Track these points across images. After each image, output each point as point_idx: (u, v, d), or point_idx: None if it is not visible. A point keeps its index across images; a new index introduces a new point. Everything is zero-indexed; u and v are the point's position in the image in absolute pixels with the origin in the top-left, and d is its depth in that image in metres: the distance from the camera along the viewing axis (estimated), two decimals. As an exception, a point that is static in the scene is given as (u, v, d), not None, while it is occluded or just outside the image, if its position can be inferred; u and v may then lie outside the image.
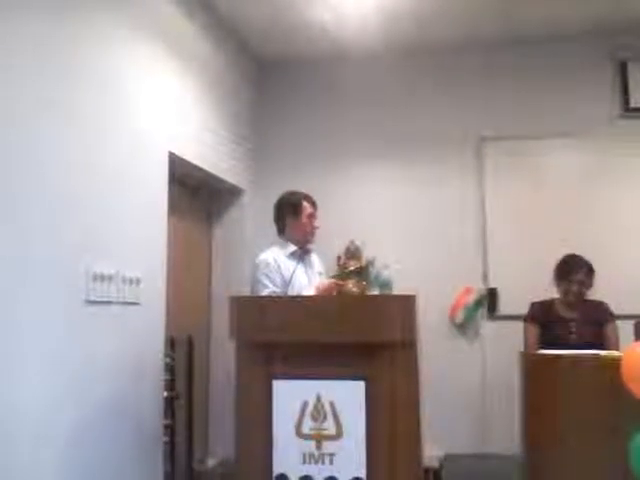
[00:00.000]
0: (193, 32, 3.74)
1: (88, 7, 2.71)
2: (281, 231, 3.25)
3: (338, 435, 2.27)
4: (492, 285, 4.30)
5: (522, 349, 3.43)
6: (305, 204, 3.19)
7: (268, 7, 3.94)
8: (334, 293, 2.78)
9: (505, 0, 3.89)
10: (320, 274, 3.24)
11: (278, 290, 2.98)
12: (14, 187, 2.23)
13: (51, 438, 2.35)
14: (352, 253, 2.83)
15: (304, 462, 2.28)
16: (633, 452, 2.27)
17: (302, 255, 3.17)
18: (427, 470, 3.75)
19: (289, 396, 2.31)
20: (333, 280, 2.88)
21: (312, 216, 3.20)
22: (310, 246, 3.28)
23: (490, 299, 4.29)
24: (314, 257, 3.32)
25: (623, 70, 4.30)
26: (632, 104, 4.26)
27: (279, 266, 3.05)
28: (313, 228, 3.20)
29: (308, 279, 3.14)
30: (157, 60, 3.30)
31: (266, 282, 3.01)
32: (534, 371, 3.04)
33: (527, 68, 4.44)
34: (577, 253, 3.48)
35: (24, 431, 2.21)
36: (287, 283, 2.95)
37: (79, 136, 2.60)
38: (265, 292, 2.98)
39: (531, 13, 4.04)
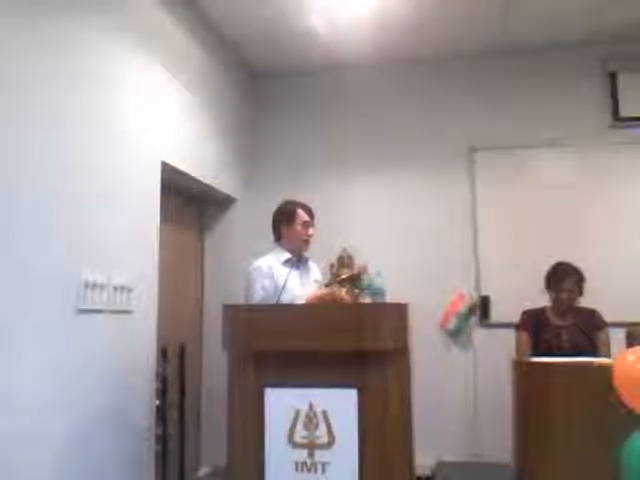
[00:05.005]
0: (188, 42, 3.76)
1: (87, 13, 2.73)
2: (277, 239, 3.26)
3: (330, 444, 2.27)
4: (484, 293, 4.31)
5: (514, 357, 3.44)
6: (300, 212, 3.19)
7: (262, 17, 3.95)
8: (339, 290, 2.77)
9: (497, 10, 3.92)
10: (316, 282, 3.23)
11: (268, 296, 2.97)
12: (8, 194, 2.22)
13: (44, 445, 2.33)
14: (345, 261, 2.83)
15: (297, 471, 2.28)
16: (624, 457, 2.28)
17: (297, 262, 3.17)
18: (419, 478, 3.75)
19: (281, 405, 2.30)
20: (323, 291, 2.88)
21: (307, 224, 3.20)
22: (306, 254, 3.28)
23: (482, 307, 4.30)
24: (311, 264, 3.31)
25: (613, 80, 4.34)
26: (622, 113, 4.30)
27: (272, 273, 3.05)
28: (307, 236, 3.20)
29: (303, 286, 3.14)
30: (151, 69, 3.31)
31: (258, 288, 3.01)
32: (526, 378, 3.05)
33: (518, 78, 4.48)
34: (568, 261, 3.49)
35: (20, 436, 2.20)
36: (280, 290, 2.94)
37: (73, 143, 2.59)
38: (257, 298, 2.98)
39: (523, 24, 4.09)
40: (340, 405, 2.27)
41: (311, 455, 2.27)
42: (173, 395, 3.59)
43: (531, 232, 4.25)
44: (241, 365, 2.37)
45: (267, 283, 3.01)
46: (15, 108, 2.28)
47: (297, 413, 2.30)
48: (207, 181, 3.96)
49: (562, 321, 3.47)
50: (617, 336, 3.41)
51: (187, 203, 4.23)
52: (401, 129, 4.62)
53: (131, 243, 3.01)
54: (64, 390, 2.46)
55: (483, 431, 4.07)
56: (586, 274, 3.46)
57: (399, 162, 4.60)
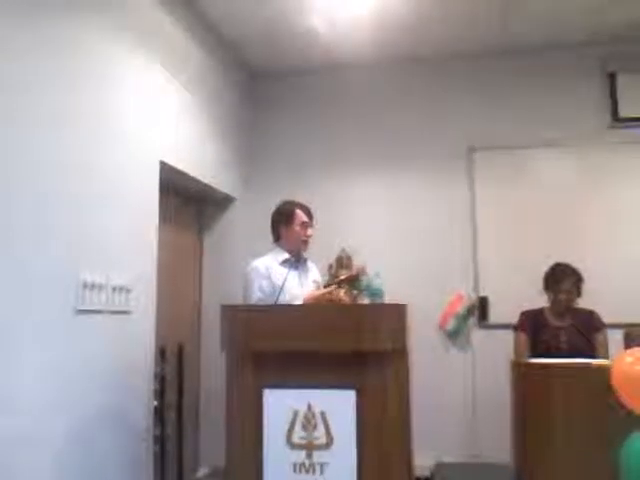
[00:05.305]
0: (187, 42, 3.76)
1: (87, 13, 2.73)
2: (276, 239, 3.26)
3: (329, 444, 2.27)
4: (483, 294, 4.31)
5: (512, 358, 3.44)
6: (298, 212, 3.19)
7: (262, 17, 3.95)
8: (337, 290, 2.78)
9: (497, 10, 3.92)
10: (315, 282, 3.24)
11: (265, 297, 2.98)
12: (8, 194, 2.22)
13: (44, 445, 2.33)
14: (343, 261, 2.83)
15: (295, 472, 2.27)
16: (623, 457, 2.28)
17: (295, 263, 3.17)
18: (418, 479, 3.74)
19: (280, 405, 2.30)
20: (323, 291, 2.88)
21: (306, 225, 3.20)
22: (305, 254, 3.28)
23: (481, 308, 4.30)
24: (310, 265, 3.32)
25: (612, 80, 4.34)
26: (621, 114, 4.30)
27: (270, 273, 3.05)
28: (306, 236, 3.20)
29: (302, 287, 3.14)
30: (151, 69, 3.30)
31: (255, 289, 3.02)
32: (525, 379, 3.05)
33: (518, 78, 4.48)
34: (566, 262, 3.49)
35: (19, 436, 2.20)
36: (278, 290, 2.94)
37: (73, 143, 2.59)
38: (254, 299, 2.98)
39: (523, 24, 4.09)
40: (339, 406, 2.27)
41: (309, 456, 2.27)
42: (171, 395, 3.59)
43: (530, 233, 4.25)
44: (239, 366, 2.37)
45: (264, 284, 3.01)
46: (15, 108, 2.28)
47: (295, 414, 2.29)
48: (206, 181, 3.96)
49: (560, 322, 3.47)
50: (615, 337, 3.41)
51: (186, 203, 4.22)
52: (401, 129, 4.61)
53: (130, 243, 3.01)
54: (63, 390, 2.46)
55: (482, 432, 4.07)
56: (585, 275, 3.45)
57: (399, 162, 4.60)
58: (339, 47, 4.36)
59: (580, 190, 4.29)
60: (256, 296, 2.98)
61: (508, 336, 3.60)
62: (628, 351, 2.48)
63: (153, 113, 3.32)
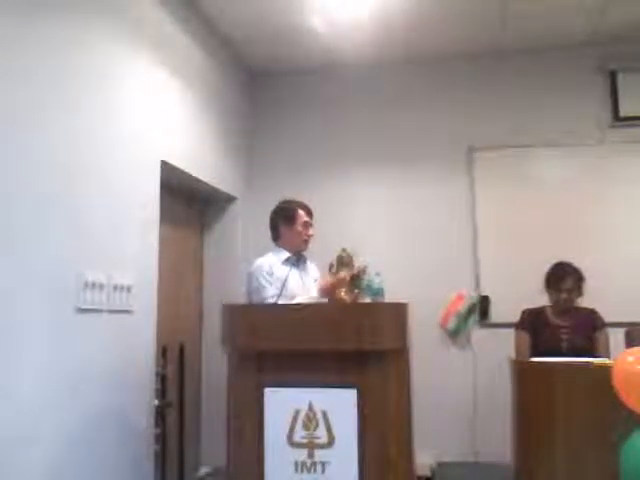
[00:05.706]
0: (188, 42, 3.76)
1: (87, 13, 2.73)
2: (276, 238, 3.26)
3: (330, 443, 2.26)
4: (484, 293, 4.31)
5: (513, 356, 3.44)
6: (300, 212, 3.20)
7: (263, 17, 3.95)
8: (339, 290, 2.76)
9: (497, 10, 3.92)
10: (316, 281, 3.24)
11: (278, 292, 2.97)
12: (8, 194, 2.22)
13: (44, 445, 2.33)
14: (344, 261, 2.83)
15: (296, 471, 2.27)
16: (623, 457, 2.28)
17: (296, 261, 3.17)
18: (419, 478, 3.75)
19: (281, 404, 2.30)
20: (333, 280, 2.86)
21: (307, 224, 3.21)
22: (305, 253, 3.28)
23: (482, 306, 4.30)
24: (310, 264, 3.32)
25: (613, 80, 4.34)
26: (622, 113, 4.31)
27: (273, 272, 3.05)
28: (307, 236, 3.21)
29: (303, 285, 3.14)
30: (151, 69, 3.30)
31: (265, 285, 3.02)
32: (525, 378, 3.05)
33: (518, 78, 4.48)
34: (568, 261, 3.49)
35: (19, 436, 2.20)
36: (280, 289, 2.94)
37: (73, 143, 2.59)
38: (269, 293, 2.97)
39: (523, 24, 4.09)
40: (340, 405, 2.27)
41: (311, 455, 2.26)
42: (172, 394, 3.59)
43: (530, 232, 4.24)
44: (241, 364, 2.37)
45: (271, 280, 3.01)
46: (15, 108, 2.28)
47: (297, 413, 2.29)
48: (207, 180, 3.96)
49: (561, 321, 3.47)
50: (617, 336, 3.41)
51: (187, 202, 4.22)
52: (401, 129, 4.61)
53: (131, 243, 3.01)
54: (63, 390, 2.45)
55: (482, 431, 4.07)
56: (586, 274, 3.45)
57: (399, 162, 4.60)
58: (339, 47, 4.36)
59: (580, 189, 4.29)
60: (271, 292, 2.97)
61: (509, 335, 3.60)
62: (629, 350, 2.48)
63: (154, 113, 3.32)
